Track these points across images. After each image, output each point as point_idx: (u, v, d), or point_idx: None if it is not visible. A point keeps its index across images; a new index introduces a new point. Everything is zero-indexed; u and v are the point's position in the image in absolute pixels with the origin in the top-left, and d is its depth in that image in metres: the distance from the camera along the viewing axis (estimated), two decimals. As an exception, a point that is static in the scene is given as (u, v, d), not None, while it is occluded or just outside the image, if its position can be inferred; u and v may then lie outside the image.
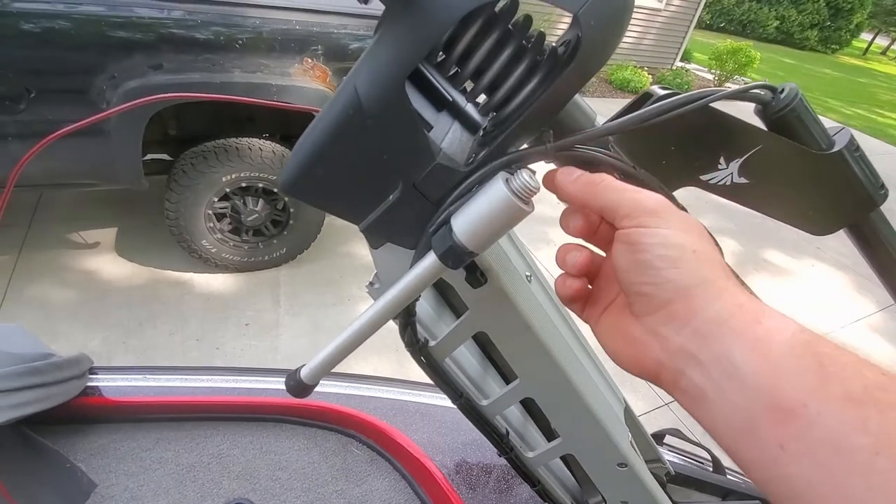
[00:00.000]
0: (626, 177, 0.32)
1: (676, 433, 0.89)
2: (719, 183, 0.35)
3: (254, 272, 2.42)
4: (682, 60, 8.38)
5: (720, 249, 0.28)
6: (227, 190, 2.12)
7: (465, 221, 0.28)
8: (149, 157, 2.18)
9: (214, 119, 2.21)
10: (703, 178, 0.34)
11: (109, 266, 2.32)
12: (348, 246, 2.73)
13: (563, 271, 0.32)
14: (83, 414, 0.65)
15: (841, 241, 4.06)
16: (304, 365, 0.38)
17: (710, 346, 0.24)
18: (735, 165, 0.34)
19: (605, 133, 0.30)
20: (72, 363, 0.62)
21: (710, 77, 8.15)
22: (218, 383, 0.73)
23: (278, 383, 0.74)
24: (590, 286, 0.33)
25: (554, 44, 0.31)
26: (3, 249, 2.26)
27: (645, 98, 0.33)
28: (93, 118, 0.38)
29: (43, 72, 1.67)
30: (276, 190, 2.18)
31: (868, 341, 2.95)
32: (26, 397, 0.54)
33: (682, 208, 0.30)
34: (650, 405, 2.21)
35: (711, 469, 0.77)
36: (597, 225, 0.32)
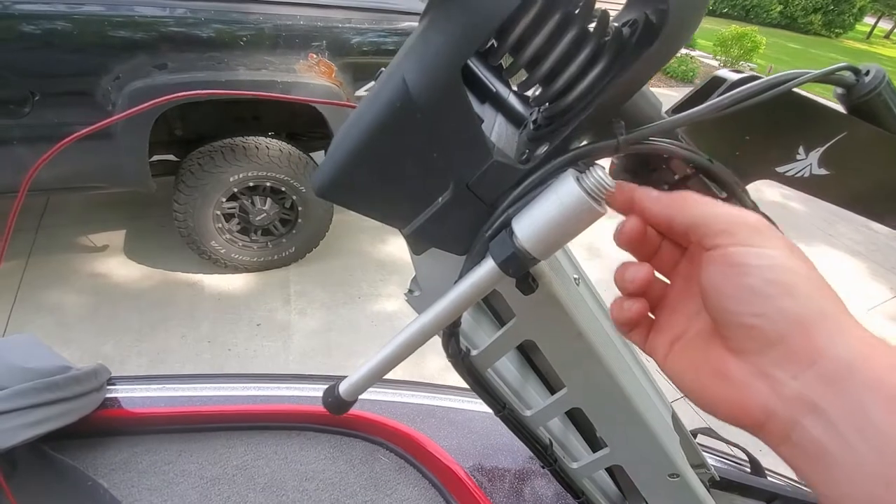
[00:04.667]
0: (701, 171, 0.29)
1: (710, 432, 0.86)
2: (797, 175, 0.31)
3: (264, 272, 2.40)
4: (686, 47, 8.26)
5: None
6: (235, 190, 2.10)
7: (530, 225, 0.25)
8: (156, 158, 2.16)
9: (220, 118, 2.18)
10: (779, 169, 0.31)
11: (119, 269, 2.30)
12: (357, 243, 2.71)
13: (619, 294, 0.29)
14: (103, 427, 0.63)
15: (853, 228, 3.97)
16: (341, 380, 0.36)
17: (838, 394, 0.20)
18: (815, 155, 0.31)
19: (680, 124, 0.27)
20: (90, 375, 0.60)
21: (716, 63, 8.04)
22: (238, 391, 0.71)
23: (301, 390, 0.72)
24: (651, 315, 0.29)
25: (616, 24, 0.28)
26: (11, 255, 2.25)
27: (714, 84, 0.30)
28: (107, 121, 0.35)
29: (47, 74, 1.65)
30: (283, 189, 2.16)
31: (886, 329, 2.90)
32: (45, 414, 0.52)
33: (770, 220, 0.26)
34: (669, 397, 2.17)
35: (750, 470, 0.75)
36: (656, 244, 0.28)
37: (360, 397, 0.75)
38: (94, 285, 2.20)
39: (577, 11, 0.26)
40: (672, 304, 0.28)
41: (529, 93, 0.33)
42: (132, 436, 0.65)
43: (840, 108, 0.32)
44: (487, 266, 0.27)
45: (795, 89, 0.29)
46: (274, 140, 2.12)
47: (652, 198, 0.26)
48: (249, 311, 2.21)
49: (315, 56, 1.96)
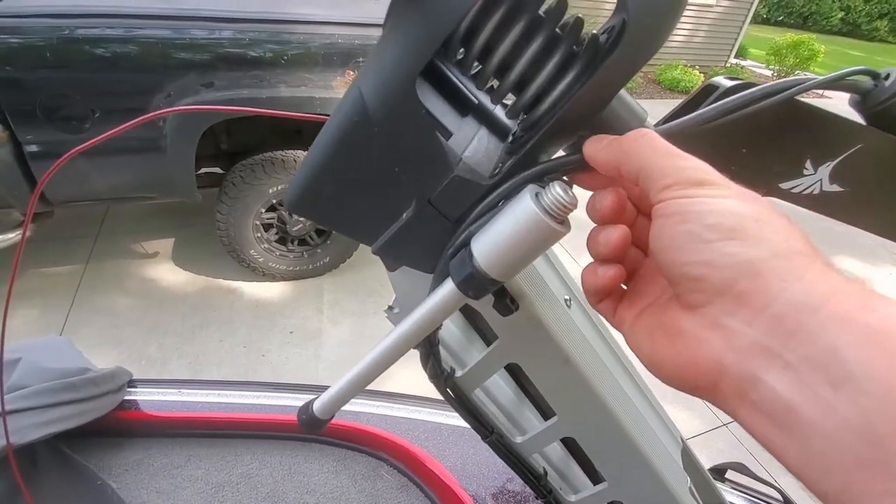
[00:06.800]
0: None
1: (740, 468, 0.79)
2: (804, 192, 0.28)
3: (299, 281, 2.46)
4: (736, 57, 7.91)
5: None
6: (274, 201, 2.18)
7: (488, 244, 0.24)
8: (202, 170, 2.28)
9: (263, 132, 2.28)
10: (784, 186, 0.28)
11: (167, 275, 2.43)
12: (390, 255, 2.73)
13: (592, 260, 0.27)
14: (119, 428, 0.66)
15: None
16: (316, 397, 0.35)
17: (801, 340, 0.17)
18: (825, 170, 0.28)
19: (662, 135, 0.25)
20: (107, 378, 0.62)
21: (769, 73, 7.64)
22: (250, 399, 0.72)
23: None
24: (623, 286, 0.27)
25: (595, 31, 0.26)
26: (74, 259, 2.43)
27: (707, 92, 0.28)
28: (104, 135, 0.37)
29: (107, 93, 1.78)
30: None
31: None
32: (60, 413, 0.54)
33: None
34: (707, 425, 2.04)
35: (785, 512, 0.68)
36: (633, 216, 0.27)
37: (366, 411, 0.75)
38: (144, 289, 2.33)
39: (544, 16, 0.25)
40: (644, 274, 0.26)
41: (509, 102, 0.32)
42: (146, 438, 0.67)
43: (857, 117, 0.28)
44: (449, 286, 0.26)
45: (799, 97, 0.26)
46: (311, 153, 2.18)
47: (599, 146, 0.24)
48: (284, 319, 2.27)
49: (352, 72, 2.01)
